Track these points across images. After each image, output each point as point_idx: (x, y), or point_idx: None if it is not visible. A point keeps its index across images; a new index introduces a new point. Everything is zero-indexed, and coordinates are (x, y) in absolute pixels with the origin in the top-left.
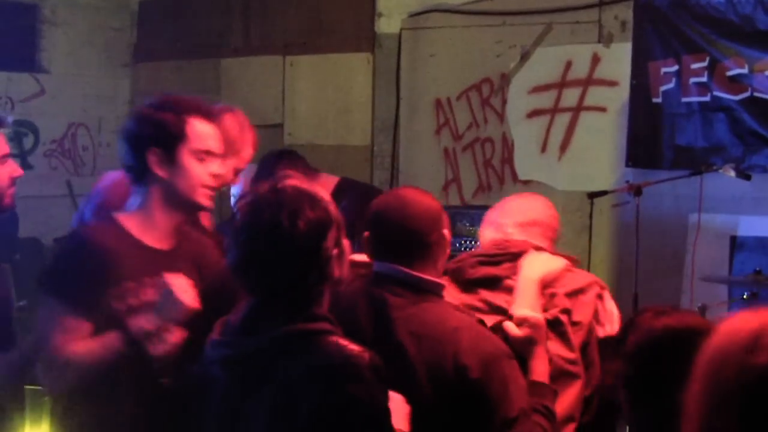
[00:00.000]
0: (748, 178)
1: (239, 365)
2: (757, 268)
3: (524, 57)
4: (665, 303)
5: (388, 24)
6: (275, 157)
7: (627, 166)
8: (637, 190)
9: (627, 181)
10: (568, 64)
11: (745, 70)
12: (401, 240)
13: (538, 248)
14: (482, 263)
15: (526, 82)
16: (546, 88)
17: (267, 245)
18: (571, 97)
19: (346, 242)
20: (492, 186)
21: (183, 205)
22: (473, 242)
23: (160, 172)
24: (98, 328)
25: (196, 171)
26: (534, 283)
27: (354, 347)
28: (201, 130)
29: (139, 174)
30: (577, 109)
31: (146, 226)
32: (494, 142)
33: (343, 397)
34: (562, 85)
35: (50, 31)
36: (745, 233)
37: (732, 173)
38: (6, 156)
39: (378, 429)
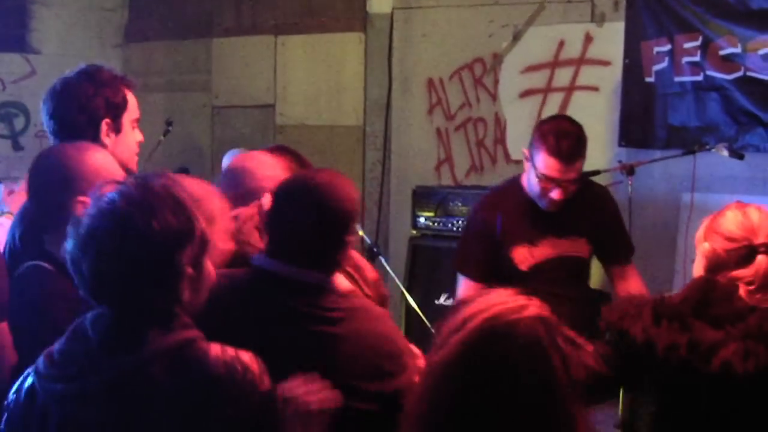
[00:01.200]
0: (741, 157)
1: (97, 396)
2: None
3: (516, 36)
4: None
5: (379, 4)
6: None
7: (620, 145)
8: (629, 170)
9: (620, 161)
10: (561, 44)
11: (738, 50)
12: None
13: None
14: None
15: (519, 61)
16: (538, 67)
17: (114, 243)
18: (563, 76)
19: (210, 267)
20: (484, 166)
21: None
22: (466, 222)
23: (107, 140)
24: None
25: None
26: None
27: (228, 352)
28: (133, 100)
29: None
30: (570, 89)
31: None
32: (487, 122)
33: (232, 406)
34: (554, 64)
35: (41, 11)
36: None
37: (725, 153)
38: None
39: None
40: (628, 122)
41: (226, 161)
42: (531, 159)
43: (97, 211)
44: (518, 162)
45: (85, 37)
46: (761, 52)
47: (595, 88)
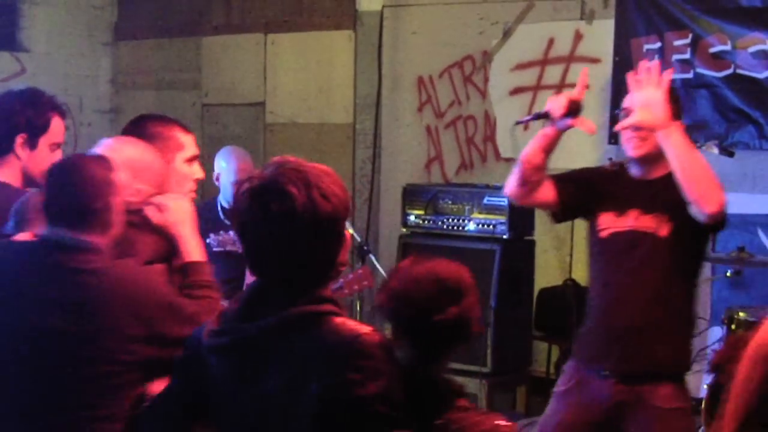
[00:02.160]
0: (731, 155)
1: (238, 350)
2: (741, 245)
3: (506, 34)
4: None
5: (369, 1)
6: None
7: (609, 143)
8: (620, 168)
9: (609, 159)
10: (551, 41)
11: (727, 47)
12: None
13: None
14: None
15: (509, 59)
16: (528, 65)
17: (292, 221)
18: (553, 74)
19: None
20: (474, 163)
21: None
22: (456, 220)
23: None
24: None
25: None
26: None
27: (364, 327)
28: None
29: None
30: (560, 86)
31: None
32: (476, 119)
33: (356, 374)
34: (544, 62)
35: (31, 9)
36: (728, 210)
37: (715, 150)
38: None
39: (388, 406)
40: (617, 120)
41: (220, 158)
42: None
43: (271, 198)
44: (508, 160)
45: (75, 35)
46: (751, 49)
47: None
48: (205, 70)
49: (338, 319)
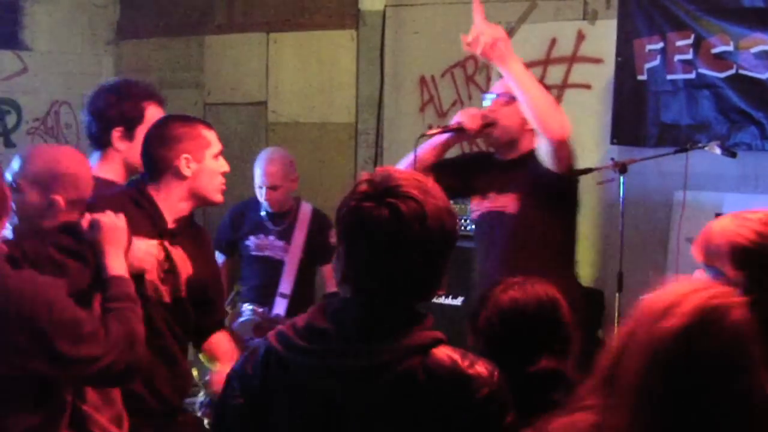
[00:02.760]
0: (733, 155)
1: (360, 376)
2: None
3: (509, 34)
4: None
5: (371, 1)
6: None
7: (612, 143)
8: (622, 168)
9: (612, 159)
10: (553, 42)
11: (730, 48)
12: None
13: None
14: None
15: None
16: (531, 65)
17: (422, 225)
18: (555, 74)
19: None
20: None
21: None
22: (459, 219)
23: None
24: None
25: None
26: None
27: (482, 361)
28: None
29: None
30: (562, 87)
31: None
32: None
33: (497, 409)
34: (546, 62)
35: (33, 8)
36: (730, 211)
37: (717, 151)
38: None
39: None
40: (620, 120)
41: (255, 162)
42: None
43: (398, 206)
44: None
45: (77, 34)
46: (754, 50)
47: (588, 86)
48: (207, 69)
49: (455, 352)
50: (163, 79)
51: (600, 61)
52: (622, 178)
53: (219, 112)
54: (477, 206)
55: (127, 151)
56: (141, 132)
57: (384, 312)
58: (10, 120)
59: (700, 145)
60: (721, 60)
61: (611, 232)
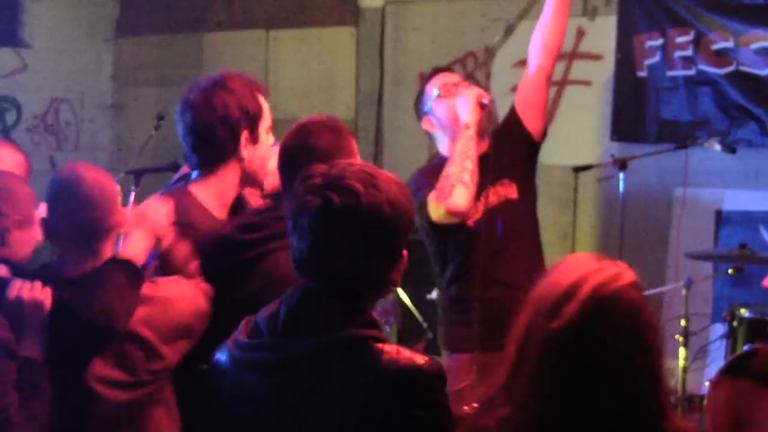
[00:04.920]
0: (733, 151)
1: (283, 370)
2: (743, 242)
3: (509, 31)
4: (649, 277)
5: None
6: None
7: (612, 140)
8: (622, 164)
9: (612, 155)
10: None
11: (730, 44)
12: None
13: None
14: None
15: (511, 56)
16: None
17: (354, 217)
18: (555, 71)
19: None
20: None
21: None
22: None
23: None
24: None
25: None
26: None
27: (419, 356)
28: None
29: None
30: (562, 83)
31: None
32: None
33: (422, 409)
34: None
35: (32, 5)
36: (730, 207)
37: (717, 147)
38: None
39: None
40: (620, 116)
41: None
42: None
43: (333, 197)
44: None
45: (77, 31)
46: (754, 46)
47: (588, 83)
48: (207, 66)
49: (388, 347)
50: (163, 76)
51: (600, 58)
52: (621, 175)
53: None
54: (475, 209)
55: (250, 156)
56: (262, 130)
57: (313, 305)
58: (10, 117)
59: (700, 141)
60: (721, 56)
61: (611, 228)
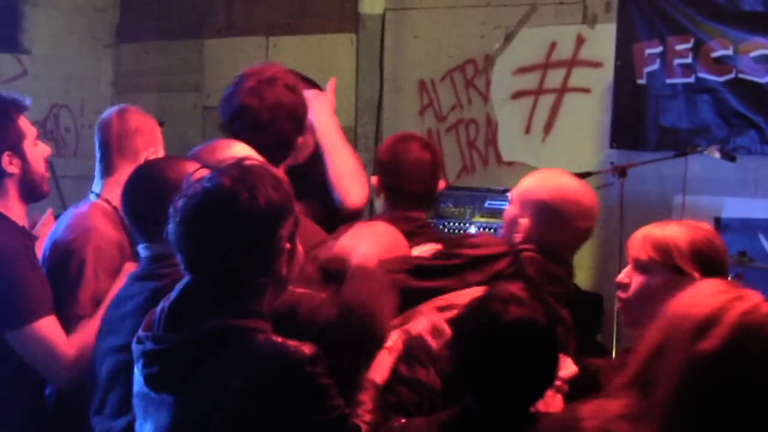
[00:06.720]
0: (732, 159)
1: (162, 361)
2: (742, 250)
3: (508, 38)
4: None
5: (371, 4)
6: None
7: (611, 147)
8: (621, 172)
9: (611, 163)
10: (553, 45)
11: (729, 52)
12: None
13: None
14: None
15: (510, 63)
16: (530, 69)
17: (219, 216)
18: (555, 78)
19: (299, 245)
20: (476, 167)
21: None
22: (458, 224)
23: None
24: None
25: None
26: None
27: (290, 342)
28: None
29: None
30: (562, 91)
31: None
32: (478, 123)
33: (287, 395)
34: (546, 66)
35: (32, 11)
36: (729, 215)
37: (717, 155)
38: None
39: (324, 412)
40: (619, 124)
41: None
42: None
43: (202, 190)
44: (510, 163)
45: (77, 37)
46: (753, 54)
47: (587, 90)
48: (207, 73)
49: (263, 336)
50: (163, 83)
51: (599, 65)
52: (621, 182)
53: (218, 115)
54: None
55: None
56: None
57: (191, 298)
58: None
59: (699, 149)
60: (721, 64)
61: (610, 235)
